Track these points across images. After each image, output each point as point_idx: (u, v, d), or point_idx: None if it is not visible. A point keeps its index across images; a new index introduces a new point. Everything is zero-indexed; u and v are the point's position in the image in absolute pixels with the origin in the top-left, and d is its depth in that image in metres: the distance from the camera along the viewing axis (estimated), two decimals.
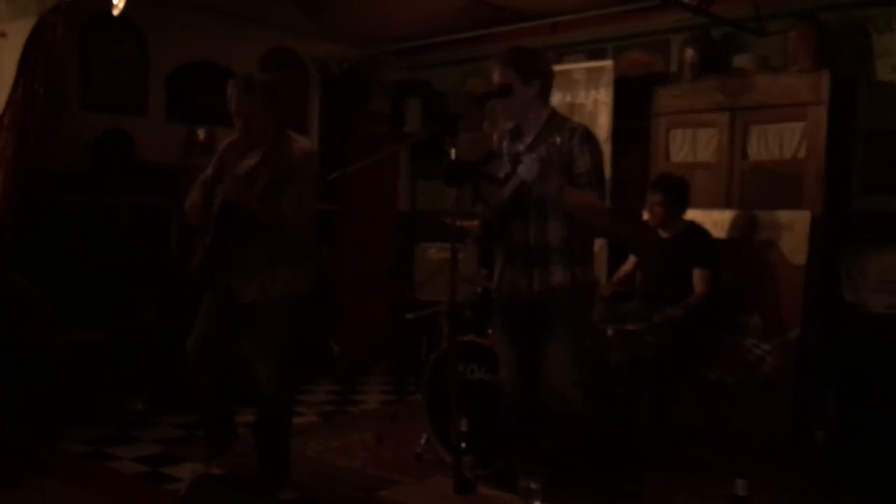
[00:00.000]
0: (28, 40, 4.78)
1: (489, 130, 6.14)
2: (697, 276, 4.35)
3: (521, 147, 3.23)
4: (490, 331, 4.15)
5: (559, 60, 5.96)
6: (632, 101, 5.51)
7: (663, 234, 4.51)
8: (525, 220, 3.18)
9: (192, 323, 3.88)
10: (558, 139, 3.02)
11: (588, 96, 5.66)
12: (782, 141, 4.86)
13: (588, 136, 3.15)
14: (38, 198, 4.94)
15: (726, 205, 4.94)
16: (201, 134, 5.77)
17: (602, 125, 5.55)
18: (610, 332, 4.05)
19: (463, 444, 2.78)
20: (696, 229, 4.49)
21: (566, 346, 3.14)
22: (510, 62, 3.17)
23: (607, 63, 5.66)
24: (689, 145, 5.22)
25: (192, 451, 4.20)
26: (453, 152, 2.87)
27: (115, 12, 4.69)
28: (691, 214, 4.57)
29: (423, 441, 4.13)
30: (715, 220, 4.78)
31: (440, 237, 5.12)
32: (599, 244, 5.23)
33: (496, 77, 3.17)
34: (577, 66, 5.76)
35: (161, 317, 5.30)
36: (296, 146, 3.54)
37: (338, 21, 6.30)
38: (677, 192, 4.46)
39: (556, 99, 5.71)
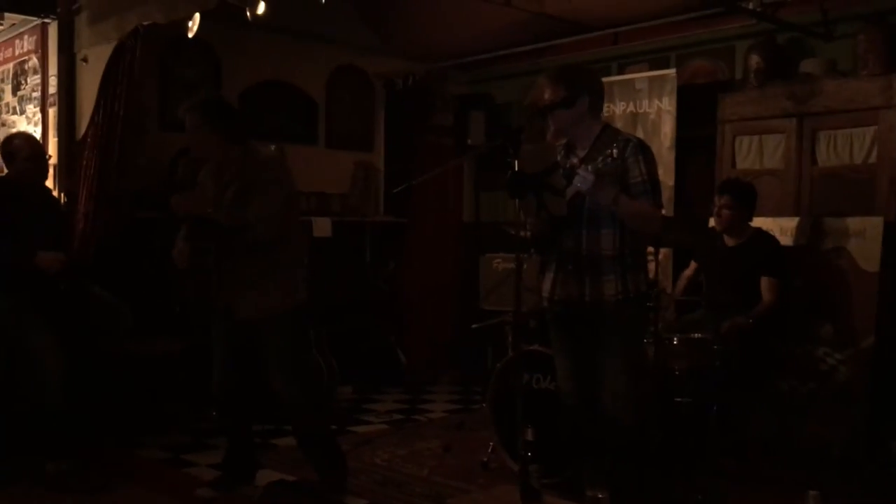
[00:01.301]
0: (108, 64, 5.00)
1: (552, 142, 6.16)
2: (766, 284, 4.29)
3: (574, 160, 3.29)
4: None
5: (622, 70, 5.96)
6: (696, 109, 5.47)
7: (729, 241, 4.47)
8: (578, 229, 3.20)
9: None
10: (613, 151, 3.09)
11: (651, 105, 5.65)
12: (852, 146, 4.77)
13: (641, 147, 3.19)
14: (119, 214, 5.14)
15: (795, 212, 4.86)
16: (272, 150, 5.93)
17: (666, 134, 5.53)
18: (676, 340, 4.03)
19: (529, 454, 2.81)
20: (764, 236, 4.44)
21: (616, 359, 3.15)
22: (559, 79, 3.23)
23: (670, 72, 5.64)
24: (755, 152, 5.16)
25: (266, 458, 4.34)
26: (516, 164, 2.93)
27: (190, 35, 4.90)
28: (758, 222, 4.52)
29: (489, 450, 4.17)
30: (783, 228, 4.71)
31: (504, 248, 5.16)
32: (664, 252, 5.21)
33: (547, 95, 3.24)
34: (640, 76, 5.75)
35: None
36: (258, 156, 3.64)
37: (402, 38, 6.42)
38: (745, 195, 4.42)
39: (620, 109, 5.73)
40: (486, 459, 4.17)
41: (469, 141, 6.89)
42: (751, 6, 4.82)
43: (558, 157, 3.37)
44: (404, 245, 6.71)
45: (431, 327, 6.74)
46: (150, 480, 4.12)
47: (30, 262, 4.05)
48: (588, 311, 3.19)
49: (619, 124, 5.55)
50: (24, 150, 4.24)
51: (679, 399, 4.00)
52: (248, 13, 4.87)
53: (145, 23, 4.62)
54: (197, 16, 4.74)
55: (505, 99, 6.95)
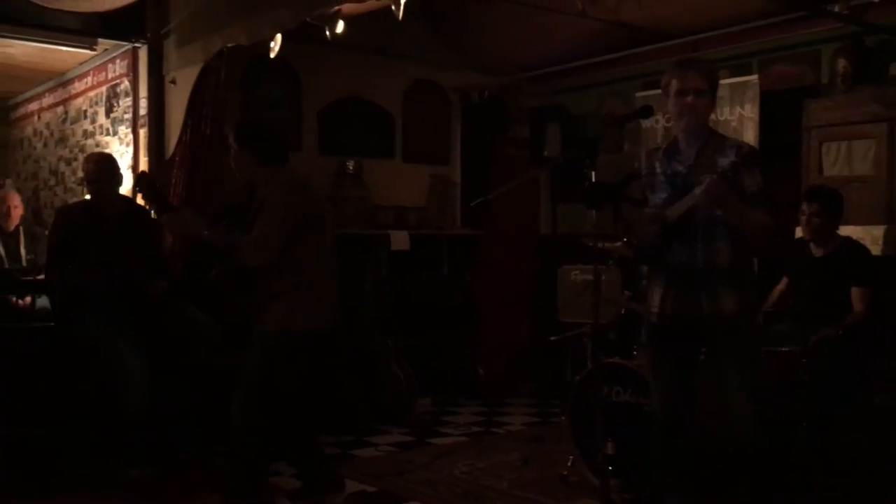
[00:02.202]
0: (195, 85, 5.19)
1: (629, 152, 6.11)
2: (856, 294, 4.14)
3: (677, 166, 3.11)
4: (634, 352, 4.13)
5: None
6: (779, 115, 5.33)
7: (817, 251, 4.33)
8: (692, 241, 3.02)
9: (343, 348, 4.07)
10: (726, 158, 2.92)
11: (733, 112, 5.53)
12: None
13: (757, 154, 3.06)
14: None
15: (885, 220, 4.68)
16: (351, 166, 6.05)
17: (748, 141, 5.39)
18: (762, 353, 3.92)
19: (610, 468, 2.78)
20: (854, 245, 4.28)
21: (738, 375, 3.01)
22: (709, 73, 3.05)
23: (752, 78, 5.52)
24: (843, 159, 5.00)
25: (346, 468, 4.40)
26: (593, 175, 2.91)
27: (272, 55, 5.05)
28: (847, 230, 4.36)
29: (569, 463, 4.13)
30: (873, 236, 4.55)
31: (582, 259, 5.13)
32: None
33: (691, 83, 3.01)
34: (721, 83, 5.61)
35: None
36: (277, 179, 3.52)
37: (477, 51, 6.46)
38: (833, 202, 4.27)
39: None
40: (565, 473, 4.13)
41: (545, 153, 6.90)
42: (837, 9, 4.68)
43: (657, 163, 3.19)
44: (481, 257, 6.72)
45: (508, 339, 6.72)
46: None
47: (139, 290, 4.24)
48: (703, 327, 3.05)
49: None
50: (93, 172, 4.41)
51: (766, 414, 3.89)
52: (327, 32, 5.00)
53: (229, 44, 4.78)
54: (279, 36, 4.88)
55: (581, 110, 6.91)
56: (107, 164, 4.51)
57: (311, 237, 3.47)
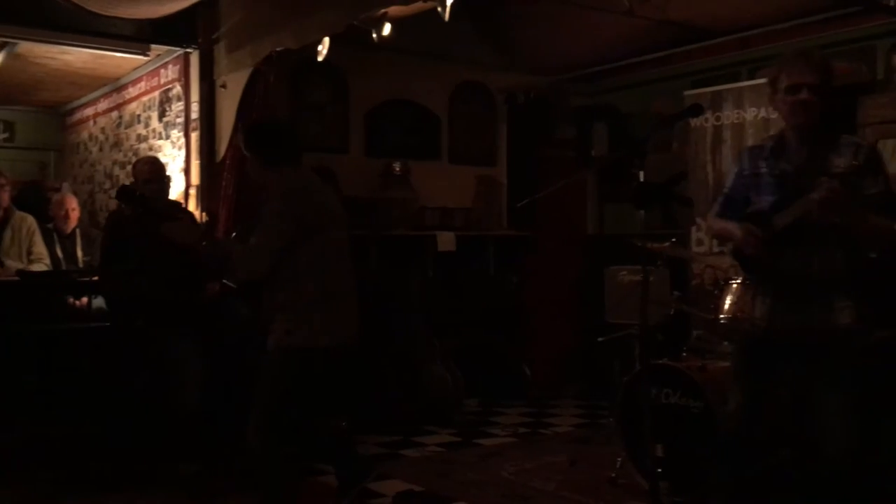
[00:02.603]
0: (245, 89, 5.27)
1: (678, 151, 6.03)
2: None
3: (787, 167, 2.85)
4: (684, 353, 4.08)
5: (752, 75, 5.76)
6: (833, 112, 5.21)
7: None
8: (803, 249, 2.76)
9: (393, 347, 4.05)
10: (843, 158, 2.70)
11: None
12: None
13: (878, 154, 2.83)
14: (252, 232, 5.37)
15: None
16: (397, 167, 6.08)
17: None
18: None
19: (659, 470, 2.75)
20: None
21: (845, 396, 2.75)
22: (823, 66, 2.79)
23: None
24: None
25: (394, 468, 4.43)
26: (641, 175, 2.88)
27: (320, 58, 5.10)
28: None
29: (617, 465, 4.10)
30: None
31: (630, 260, 5.08)
32: None
33: (804, 78, 2.77)
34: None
35: (362, 340, 5.60)
36: (281, 185, 3.39)
37: (523, 52, 6.45)
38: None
39: (751, 115, 5.53)
40: (614, 475, 4.10)
41: (592, 153, 6.85)
42: (892, 3, 4.57)
43: (761, 162, 2.93)
44: (528, 258, 6.70)
45: (555, 340, 6.69)
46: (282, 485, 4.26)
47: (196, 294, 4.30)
48: (813, 343, 2.78)
49: (750, 131, 5.37)
50: (144, 173, 4.48)
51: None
52: (374, 35, 5.04)
53: (278, 49, 4.84)
54: (326, 40, 4.94)
55: (629, 109, 6.85)
56: (159, 166, 4.61)
57: (311, 248, 3.27)
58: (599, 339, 4.80)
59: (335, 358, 3.41)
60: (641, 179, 2.85)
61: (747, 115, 5.56)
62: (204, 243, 3.44)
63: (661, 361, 3.89)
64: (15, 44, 5.87)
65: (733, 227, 2.89)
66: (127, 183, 6.83)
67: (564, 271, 6.81)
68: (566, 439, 5.16)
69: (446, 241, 6.20)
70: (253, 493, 3.55)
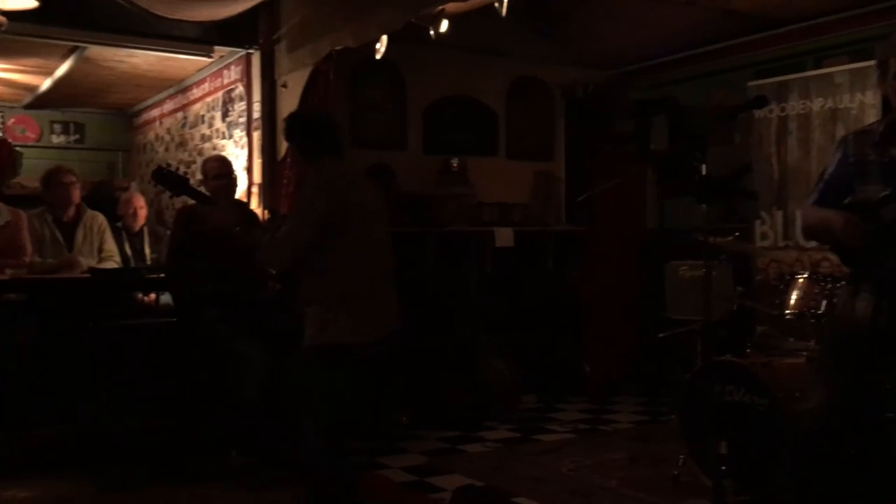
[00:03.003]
0: (305, 88, 5.36)
1: (741, 144, 5.91)
2: None
3: None
4: (748, 350, 4.01)
5: (818, 65, 5.62)
6: None
7: None
8: None
9: (451, 343, 4.02)
10: None
11: (853, 100, 5.27)
12: None
13: None
14: None
15: None
16: (455, 163, 6.10)
17: None
18: None
19: (724, 468, 2.71)
20: None
21: None
22: None
23: (873, 63, 5.24)
24: None
25: (454, 463, 4.46)
26: (704, 168, 2.83)
27: (378, 56, 5.15)
28: None
29: (679, 463, 4.05)
30: None
31: (691, 255, 5.00)
32: None
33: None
34: (840, 69, 5.39)
35: (421, 337, 5.65)
36: (309, 179, 3.39)
37: (581, 45, 6.40)
38: None
39: (817, 105, 5.40)
40: (676, 473, 4.05)
41: (651, 146, 6.75)
42: None
43: (868, 150, 2.77)
44: (586, 253, 6.65)
45: (615, 336, 6.63)
46: None
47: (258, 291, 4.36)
48: None
49: (816, 122, 5.25)
50: (213, 169, 4.59)
51: (891, 415, 3.70)
52: (431, 32, 5.07)
53: (337, 47, 4.90)
54: (384, 38, 4.98)
55: (689, 102, 6.73)
56: (227, 163, 4.71)
57: (343, 243, 3.21)
58: (660, 336, 4.75)
59: (370, 354, 3.34)
60: (703, 173, 2.80)
61: (814, 105, 5.43)
62: (238, 228, 3.44)
63: (724, 358, 3.82)
64: (85, 48, 6.07)
65: (833, 217, 2.71)
66: (194, 182, 7.01)
67: (624, 267, 6.74)
68: (626, 436, 5.11)
69: (504, 236, 6.20)
70: (303, 485, 3.57)
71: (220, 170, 4.55)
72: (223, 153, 6.24)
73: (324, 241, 3.18)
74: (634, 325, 6.63)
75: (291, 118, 3.57)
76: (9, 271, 4.65)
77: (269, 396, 4.40)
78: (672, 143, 6.58)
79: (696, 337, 4.45)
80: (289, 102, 5.57)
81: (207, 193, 4.19)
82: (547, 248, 6.63)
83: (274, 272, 3.68)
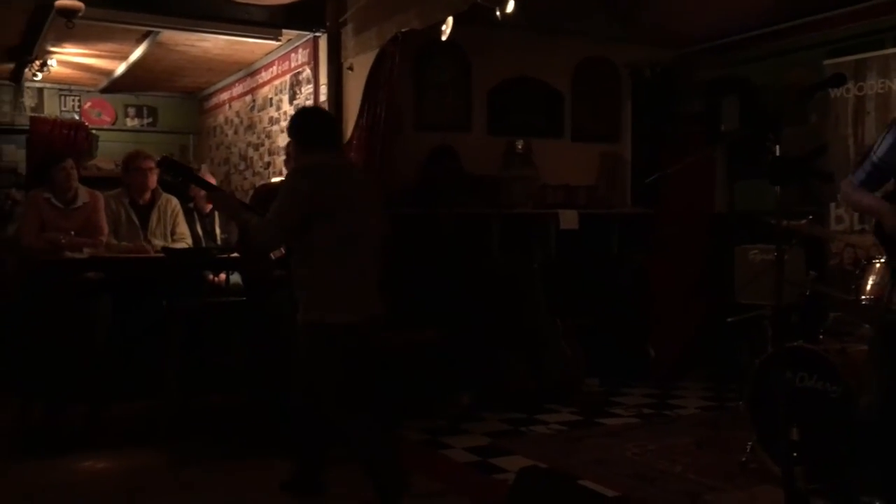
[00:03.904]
0: (371, 71, 5.39)
1: (816, 124, 5.74)
2: None
3: None
4: (821, 336, 3.91)
5: None
6: None
7: None
8: None
9: (514, 326, 3.96)
10: None
11: None
12: None
13: None
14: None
15: None
16: (519, 145, 6.07)
17: None
18: None
19: (795, 454, 2.66)
20: None
21: None
22: None
23: None
24: None
25: (517, 444, 4.47)
26: (777, 149, 2.76)
27: (444, 38, 5.14)
28: None
29: (747, 449, 3.98)
30: None
31: (761, 238, 4.89)
32: None
33: None
34: None
35: (485, 319, 5.66)
36: (295, 167, 3.59)
37: (649, 24, 6.28)
38: None
39: None
40: (744, 459, 3.99)
41: (721, 127, 6.60)
42: None
43: None
44: (652, 237, 6.56)
45: (681, 321, 6.53)
46: (410, 459, 4.37)
47: None
48: None
49: None
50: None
51: None
52: (497, 13, 5.03)
53: (404, 29, 4.92)
54: (450, 19, 4.97)
55: (761, 81, 6.55)
56: None
57: (328, 227, 3.36)
58: (729, 320, 4.66)
59: (361, 335, 3.46)
60: (777, 154, 2.73)
61: (894, 84, 5.23)
62: (240, 214, 3.66)
63: (796, 344, 3.74)
64: (158, 33, 6.21)
65: (885, 210, 2.70)
66: (262, 164, 7.14)
67: (691, 250, 6.62)
68: (692, 422, 5.05)
69: (569, 219, 6.15)
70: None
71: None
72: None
73: (311, 227, 3.36)
74: (701, 310, 6.51)
75: (293, 116, 3.78)
76: (86, 250, 4.82)
77: None
78: (744, 123, 6.41)
79: (765, 322, 4.36)
80: (355, 85, 5.61)
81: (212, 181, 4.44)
82: (612, 230, 6.56)
83: (274, 258, 3.87)
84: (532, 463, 4.09)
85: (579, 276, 6.25)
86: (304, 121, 3.66)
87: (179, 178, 3.94)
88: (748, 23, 5.98)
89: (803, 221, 4.13)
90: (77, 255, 4.71)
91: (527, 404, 5.36)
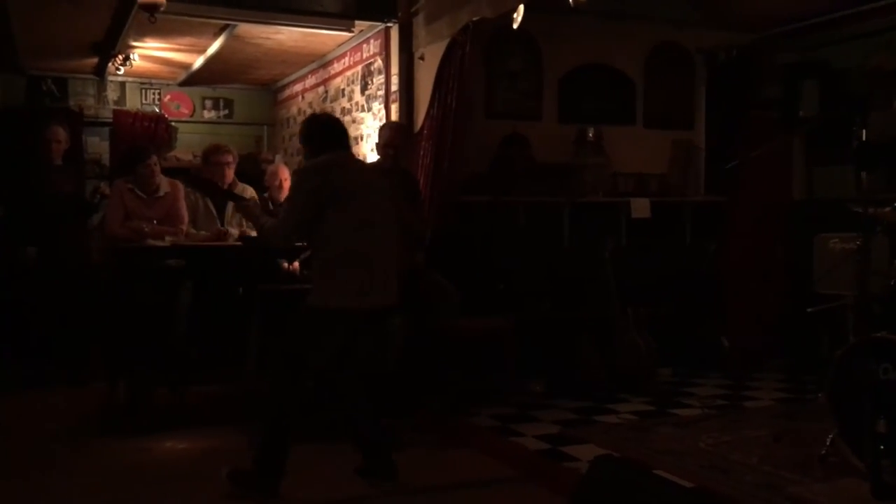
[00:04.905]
0: (442, 60, 5.41)
1: None
2: None
3: None
4: None
5: None
6: None
7: None
8: None
9: (585, 314, 3.91)
10: None
11: None
12: None
13: None
14: (448, 200, 5.52)
15: None
16: (590, 133, 6.02)
17: None
18: None
19: (882, 447, 2.59)
20: None
21: None
22: None
23: None
24: None
25: (588, 433, 4.46)
26: (864, 134, 2.68)
27: (515, 25, 5.13)
28: None
29: (827, 442, 3.89)
30: None
31: (843, 226, 4.75)
32: None
33: None
34: None
35: (556, 307, 5.65)
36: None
37: (723, 7, 6.15)
38: None
39: None
40: (823, 452, 3.89)
41: (800, 113, 6.42)
42: None
43: None
44: (727, 225, 6.43)
45: (756, 311, 6.39)
46: (479, 445, 4.42)
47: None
48: None
49: None
50: (382, 138, 4.72)
51: None
52: (569, 0, 5.00)
53: (475, 18, 4.92)
54: (521, 7, 4.96)
55: (842, 65, 6.35)
56: (405, 131, 4.84)
57: (338, 216, 3.49)
58: (808, 311, 4.54)
59: (370, 320, 3.63)
60: (864, 139, 2.65)
61: None
62: (260, 219, 3.93)
63: (880, 335, 3.62)
64: (234, 26, 6.37)
65: None
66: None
67: (767, 238, 6.47)
68: (768, 414, 4.94)
69: (641, 207, 6.08)
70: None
71: (389, 140, 4.72)
72: (362, 126, 6.42)
73: (323, 217, 3.49)
74: (777, 300, 6.37)
75: (304, 124, 3.89)
76: (168, 238, 4.98)
77: (406, 362, 4.55)
78: (824, 108, 6.22)
79: (847, 313, 4.24)
80: (426, 75, 5.64)
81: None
82: (685, 219, 6.46)
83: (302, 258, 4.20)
84: (602, 452, 4.08)
85: (651, 265, 6.17)
86: (316, 128, 3.77)
87: (206, 193, 4.40)
88: (829, 4, 5.80)
89: (888, 209, 3.99)
90: (159, 243, 4.86)
91: (598, 393, 5.33)
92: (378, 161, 4.84)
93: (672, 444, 4.30)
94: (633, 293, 5.77)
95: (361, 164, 4.13)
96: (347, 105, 7.01)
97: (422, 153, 5.54)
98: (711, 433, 4.49)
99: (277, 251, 5.22)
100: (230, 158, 5.39)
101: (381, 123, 6.17)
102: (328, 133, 3.73)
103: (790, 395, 5.44)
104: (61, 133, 5.83)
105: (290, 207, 3.63)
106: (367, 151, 6.25)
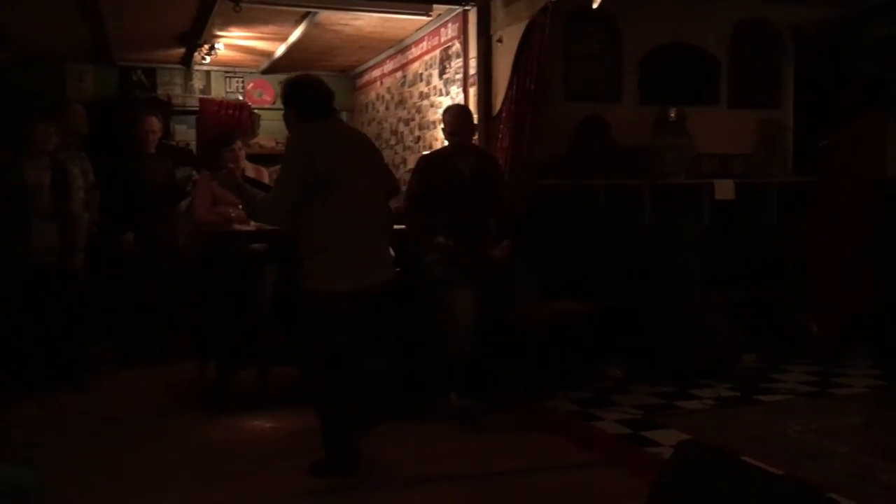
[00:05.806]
0: (520, 42, 5.38)
1: None
2: None
3: None
4: None
5: None
6: None
7: None
8: None
9: (667, 298, 3.82)
10: None
11: None
12: None
13: None
14: (529, 182, 5.49)
15: None
16: (672, 113, 5.90)
17: None
18: None
19: None
20: None
21: None
22: None
23: None
24: None
25: (670, 419, 4.40)
26: None
27: (594, 6, 5.06)
28: None
29: None
30: None
31: None
32: None
33: None
34: None
35: (635, 291, 5.57)
36: (293, 137, 3.60)
37: None
38: None
39: None
40: None
41: (894, 89, 6.15)
42: None
43: None
44: (815, 207, 6.22)
45: (846, 296, 6.17)
46: (558, 429, 4.41)
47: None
48: None
49: None
50: (451, 124, 4.71)
51: None
52: None
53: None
54: None
55: None
56: (465, 116, 4.80)
57: (328, 197, 3.40)
58: None
59: (364, 301, 3.51)
60: None
61: None
62: (245, 192, 3.71)
63: None
64: (315, 13, 6.46)
65: None
66: (412, 138, 7.29)
67: (858, 221, 6.23)
68: (859, 401, 4.78)
69: (724, 189, 5.94)
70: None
71: (454, 126, 4.68)
72: (439, 110, 6.42)
73: (312, 195, 3.39)
74: (869, 284, 6.14)
75: (285, 85, 3.70)
76: (253, 223, 5.11)
77: (481, 343, 4.57)
78: None
79: None
80: (504, 57, 5.62)
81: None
82: (771, 200, 6.28)
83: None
84: (685, 437, 4.02)
85: (735, 248, 6.03)
86: (300, 90, 3.62)
87: (182, 163, 4.17)
88: None
89: None
90: (245, 228, 5.00)
91: (679, 378, 5.25)
92: (448, 147, 4.80)
93: (758, 431, 4.21)
94: (717, 276, 5.65)
95: (355, 131, 4.04)
96: (426, 89, 7.04)
97: (500, 136, 5.53)
98: (799, 420, 4.38)
99: None
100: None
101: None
102: (317, 97, 3.59)
103: (881, 383, 5.26)
104: (155, 123, 6.06)
105: (282, 178, 3.48)
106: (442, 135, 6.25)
